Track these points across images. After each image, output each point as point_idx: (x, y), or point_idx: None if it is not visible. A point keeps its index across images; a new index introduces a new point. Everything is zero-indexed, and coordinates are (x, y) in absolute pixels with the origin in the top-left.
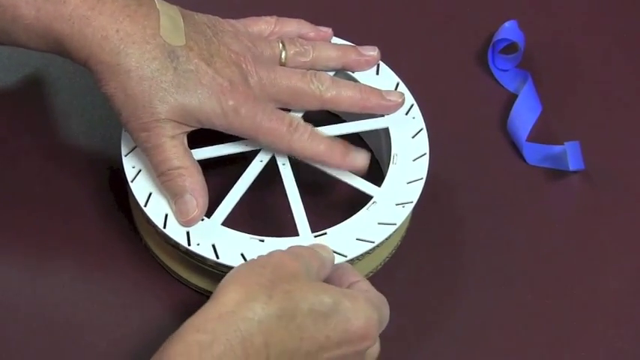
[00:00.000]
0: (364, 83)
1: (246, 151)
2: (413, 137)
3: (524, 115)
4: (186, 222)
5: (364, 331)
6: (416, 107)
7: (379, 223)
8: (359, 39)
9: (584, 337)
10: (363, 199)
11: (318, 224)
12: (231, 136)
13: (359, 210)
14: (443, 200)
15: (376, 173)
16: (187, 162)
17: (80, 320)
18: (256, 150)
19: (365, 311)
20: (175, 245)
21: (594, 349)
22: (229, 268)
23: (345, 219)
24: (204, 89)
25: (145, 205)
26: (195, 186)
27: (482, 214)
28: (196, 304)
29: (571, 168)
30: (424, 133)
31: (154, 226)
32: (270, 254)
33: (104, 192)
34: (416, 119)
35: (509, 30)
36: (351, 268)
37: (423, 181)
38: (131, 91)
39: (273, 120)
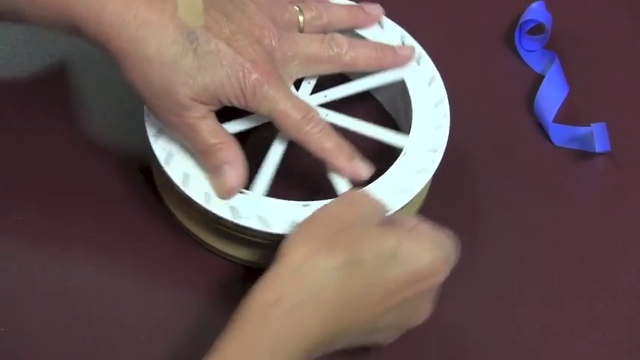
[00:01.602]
0: (373, 40)
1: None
2: (429, 85)
3: (551, 96)
4: (226, 192)
5: (431, 268)
6: (426, 57)
7: (416, 172)
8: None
9: (609, 318)
10: (386, 153)
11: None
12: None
13: (389, 163)
14: (467, 178)
15: (392, 126)
16: (223, 137)
17: (118, 300)
18: None
19: (429, 248)
20: (217, 221)
21: (620, 330)
22: (279, 236)
23: (378, 174)
24: (224, 70)
25: (186, 186)
26: (233, 158)
27: (507, 194)
28: (236, 276)
29: (597, 149)
30: (439, 80)
31: (194, 204)
32: (327, 207)
33: (130, 173)
34: (427, 68)
35: (536, 11)
36: (405, 216)
37: (448, 124)
38: (153, 78)
39: (289, 107)
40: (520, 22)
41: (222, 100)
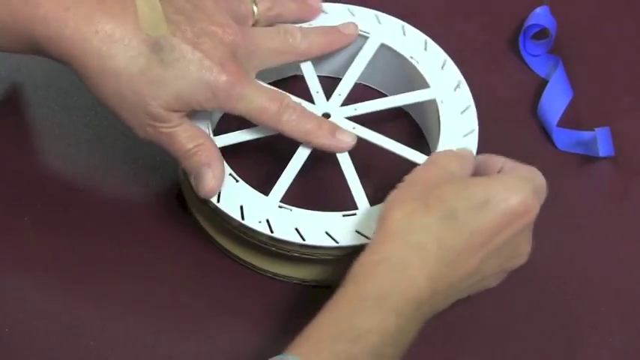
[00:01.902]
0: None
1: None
2: (462, 113)
3: (555, 100)
4: (204, 194)
5: (523, 205)
6: (464, 83)
7: (464, 136)
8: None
9: (613, 324)
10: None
11: (375, 198)
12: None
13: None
14: None
15: (424, 148)
16: (199, 139)
17: (136, 304)
18: None
19: (517, 187)
20: (236, 227)
21: (624, 336)
22: (288, 244)
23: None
24: (193, 76)
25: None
26: (209, 159)
27: None
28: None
29: (601, 154)
30: (473, 109)
31: (226, 218)
32: (414, 171)
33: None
34: (464, 95)
35: (540, 16)
36: (492, 158)
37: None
38: (123, 92)
39: (264, 100)
40: (524, 26)
41: (195, 106)
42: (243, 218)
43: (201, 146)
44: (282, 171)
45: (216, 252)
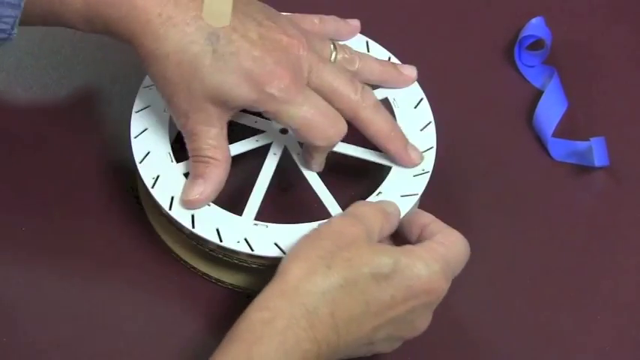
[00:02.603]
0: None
1: (257, 147)
2: (415, 107)
3: (550, 110)
4: (186, 202)
5: (428, 285)
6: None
7: (414, 176)
8: (384, 33)
9: (606, 333)
10: (373, 174)
11: (346, 203)
12: (239, 134)
13: (377, 182)
14: (465, 192)
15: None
16: (218, 155)
17: (89, 311)
18: (267, 144)
19: (426, 265)
20: (201, 243)
21: (617, 344)
22: (266, 259)
23: (369, 192)
24: (242, 73)
25: (170, 207)
26: (212, 177)
27: (505, 208)
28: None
29: (596, 164)
30: (425, 102)
31: (179, 227)
32: (330, 222)
33: (115, 176)
34: (415, 90)
35: (535, 26)
36: (419, 216)
37: (435, 146)
38: (170, 75)
39: (312, 113)
40: (520, 37)
41: (237, 101)
42: (221, 240)
43: (215, 161)
44: (251, 188)
45: (169, 257)
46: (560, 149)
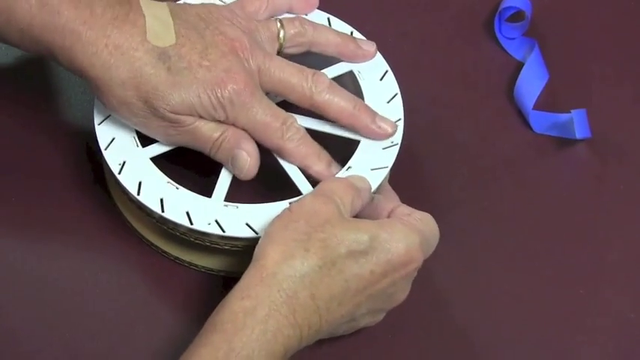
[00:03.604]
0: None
1: None
2: (381, 79)
3: (531, 83)
4: (244, 176)
5: (406, 257)
6: (378, 54)
7: (383, 149)
8: (363, 8)
9: (589, 307)
10: (342, 149)
11: (316, 179)
12: None
13: (347, 156)
14: (446, 166)
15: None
16: (221, 127)
17: (53, 290)
18: None
19: (404, 238)
20: (172, 227)
21: (599, 318)
22: (240, 240)
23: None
24: (199, 84)
25: (139, 193)
26: (238, 140)
27: (487, 181)
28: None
29: (578, 136)
30: (391, 74)
31: (149, 212)
32: (302, 202)
33: (81, 164)
34: (379, 62)
35: None
36: (388, 197)
37: (402, 118)
38: (130, 102)
39: (267, 115)
40: (499, 9)
41: (201, 113)
42: (191, 223)
43: (226, 132)
44: (219, 170)
45: (140, 243)
46: (542, 122)
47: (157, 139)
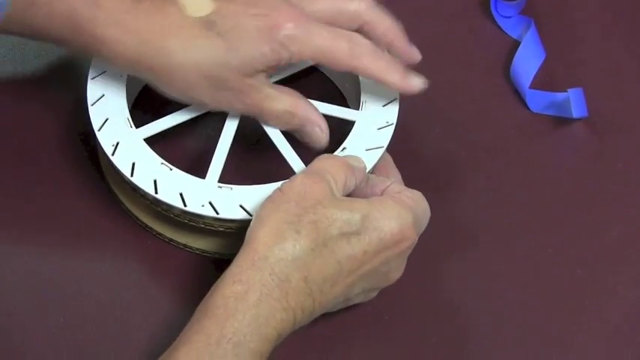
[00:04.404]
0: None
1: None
2: None
3: (528, 62)
4: (321, 147)
5: (399, 235)
6: None
7: (378, 129)
8: None
9: (586, 285)
10: (337, 130)
11: (310, 161)
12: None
13: (341, 138)
14: (441, 146)
15: (341, 101)
16: (290, 99)
17: (49, 274)
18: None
19: (397, 215)
20: (166, 209)
21: (596, 297)
22: (234, 222)
23: (334, 149)
24: (252, 34)
25: (132, 175)
26: (307, 116)
27: (483, 162)
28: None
29: (574, 115)
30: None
31: (142, 193)
32: (293, 182)
33: (74, 145)
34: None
35: None
36: (381, 177)
37: (398, 100)
38: (196, 81)
39: (330, 38)
40: None
41: (266, 64)
42: (185, 205)
43: (296, 106)
44: (213, 151)
45: (134, 225)
46: (538, 101)
47: (232, 112)
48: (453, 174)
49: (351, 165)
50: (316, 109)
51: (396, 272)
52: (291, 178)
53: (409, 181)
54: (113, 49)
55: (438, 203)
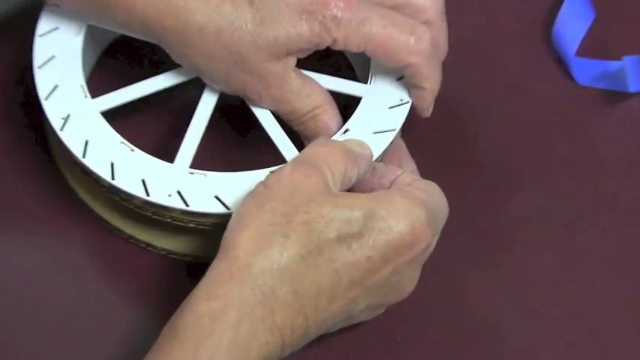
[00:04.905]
0: None
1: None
2: None
3: (573, 23)
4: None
5: (410, 236)
6: None
7: (390, 108)
8: None
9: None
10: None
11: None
12: (172, 63)
13: (345, 117)
14: (472, 124)
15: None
16: (318, 99)
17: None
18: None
19: (406, 213)
20: (125, 198)
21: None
22: (208, 217)
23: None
24: (290, 9)
25: (113, 179)
26: (327, 123)
27: (520, 143)
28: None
29: (631, 89)
30: None
31: (97, 179)
32: (280, 174)
33: (16, 119)
34: None
35: None
36: (390, 166)
37: None
38: (213, 50)
39: (388, 26)
40: None
41: (299, 42)
42: (148, 194)
43: (319, 109)
44: (185, 130)
45: (88, 217)
46: (586, 71)
47: (242, 96)
48: (482, 163)
49: (352, 152)
50: (338, 115)
51: (409, 283)
52: (278, 168)
53: (427, 174)
54: (126, 5)
55: (463, 199)
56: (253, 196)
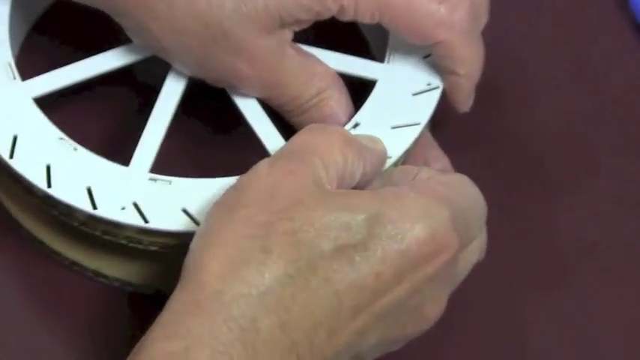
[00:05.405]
0: None
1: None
2: None
3: None
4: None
5: (431, 245)
6: None
7: (413, 95)
8: None
9: None
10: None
11: None
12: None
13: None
14: (534, 101)
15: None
16: (322, 79)
17: None
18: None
19: (424, 214)
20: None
21: None
22: (173, 236)
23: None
24: None
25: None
26: (336, 107)
27: (590, 121)
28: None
29: None
30: None
31: (28, 186)
32: (255, 172)
33: None
34: None
35: None
36: (409, 166)
37: None
38: (184, 23)
39: None
40: None
41: (298, 13)
42: (95, 207)
43: (324, 93)
44: (144, 123)
45: (17, 236)
46: None
47: (247, 90)
48: (544, 163)
49: (355, 141)
50: (349, 101)
51: (432, 308)
52: (254, 166)
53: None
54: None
55: (519, 207)
56: (221, 204)
